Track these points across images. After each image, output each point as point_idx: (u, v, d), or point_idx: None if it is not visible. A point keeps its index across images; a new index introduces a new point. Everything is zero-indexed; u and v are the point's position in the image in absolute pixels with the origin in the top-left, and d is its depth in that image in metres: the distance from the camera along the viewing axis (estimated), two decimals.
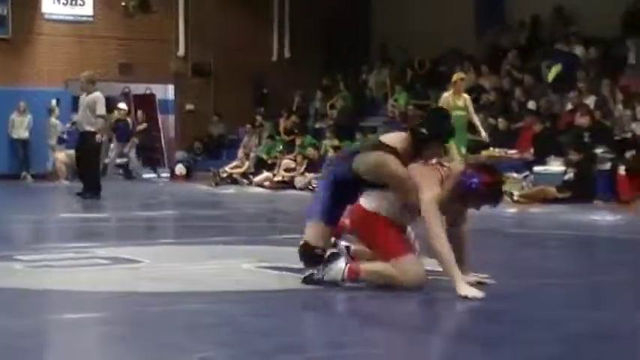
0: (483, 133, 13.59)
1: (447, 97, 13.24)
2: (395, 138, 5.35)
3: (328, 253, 5.27)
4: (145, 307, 4.78)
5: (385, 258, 5.17)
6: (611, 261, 7.53)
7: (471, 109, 13.38)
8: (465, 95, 13.44)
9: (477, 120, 13.51)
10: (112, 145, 20.65)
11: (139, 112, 21.91)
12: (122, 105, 21.02)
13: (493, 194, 5.29)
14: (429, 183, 5.12)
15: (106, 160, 20.07)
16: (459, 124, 13.28)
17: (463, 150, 13.09)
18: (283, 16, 22.56)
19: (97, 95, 13.62)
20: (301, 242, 5.32)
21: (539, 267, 6.60)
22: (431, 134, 5.28)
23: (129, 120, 21.03)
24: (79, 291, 5.31)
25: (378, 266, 5.19)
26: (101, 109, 13.53)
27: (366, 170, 5.23)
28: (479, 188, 5.19)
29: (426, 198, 5.07)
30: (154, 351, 3.77)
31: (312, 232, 5.27)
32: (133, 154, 20.97)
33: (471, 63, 17.85)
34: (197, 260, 6.54)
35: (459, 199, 5.26)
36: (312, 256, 5.21)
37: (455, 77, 13.56)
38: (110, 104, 19.87)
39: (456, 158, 12.40)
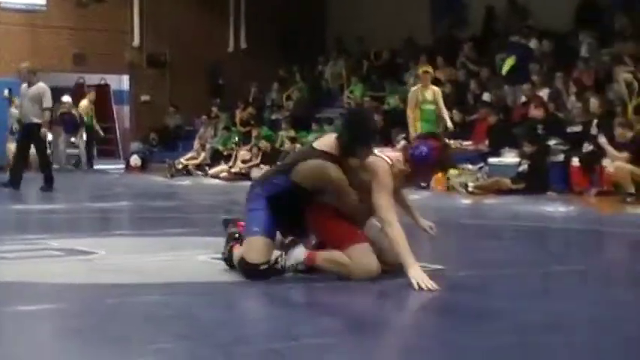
0: (449, 123, 13.39)
1: (415, 92, 13.12)
2: (328, 144, 5.30)
3: (287, 240, 5.30)
4: (100, 298, 4.75)
5: (340, 246, 5.20)
6: (564, 252, 7.63)
7: (441, 102, 13.18)
8: (435, 88, 13.25)
9: (445, 113, 13.32)
10: (62, 137, 20.55)
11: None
12: (66, 98, 20.84)
13: (444, 159, 5.42)
14: (382, 184, 5.16)
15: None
16: (429, 118, 13.05)
17: None
18: (239, 7, 22.47)
19: (43, 87, 13.38)
20: (240, 259, 5.23)
21: (494, 258, 6.66)
22: (354, 140, 5.21)
23: (74, 112, 20.85)
24: (33, 282, 5.26)
25: (334, 254, 5.21)
26: (48, 102, 13.33)
27: (305, 178, 5.20)
28: (430, 155, 5.30)
29: (381, 202, 5.12)
30: (109, 343, 3.75)
31: (253, 247, 5.18)
32: (82, 144, 20.84)
33: (426, 55, 17.93)
34: (153, 252, 6.51)
35: (414, 173, 5.37)
36: (256, 272, 5.15)
37: (419, 70, 13.49)
38: (57, 94, 19.70)
39: None
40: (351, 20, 20.80)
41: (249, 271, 5.16)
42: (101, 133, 22.14)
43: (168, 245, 6.85)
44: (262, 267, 5.15)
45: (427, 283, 4.91)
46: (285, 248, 5.25)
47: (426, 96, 13.01)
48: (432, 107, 13.02)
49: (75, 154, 21.08)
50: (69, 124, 20.63)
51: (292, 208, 5.29)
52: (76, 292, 5.04)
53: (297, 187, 5.23)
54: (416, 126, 12.89)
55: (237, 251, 5.35)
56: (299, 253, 5.23)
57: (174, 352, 3.60)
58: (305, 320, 4.36)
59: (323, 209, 5.26)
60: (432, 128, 12.99)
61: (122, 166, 21.28)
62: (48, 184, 13.36)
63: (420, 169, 5.36)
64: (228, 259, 5.48)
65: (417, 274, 4.95)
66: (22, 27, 20.72)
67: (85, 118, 20.92)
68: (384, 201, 5.14)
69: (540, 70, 15.33)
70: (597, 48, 15.18)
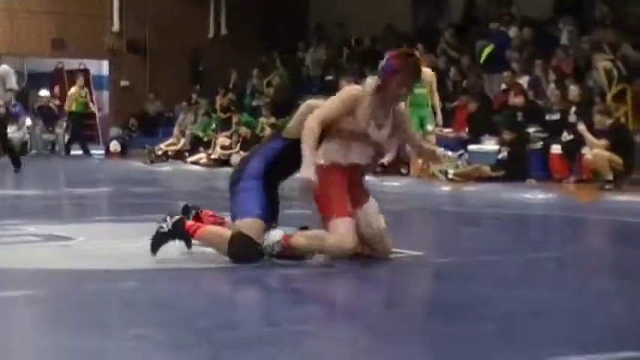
0: (439, 117, 12.95)
1: None
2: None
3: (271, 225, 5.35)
4: (79, 284, 4.73)
5: (324, 212, 5.20)
6: (544, 238, 7.66)
7: (433, 87, 12.67)
8: (428, 71, 12.64)
9: (437, 101, 12.84)
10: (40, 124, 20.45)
11: (56, 89, 21.47)
12: (43, 92, 20.70)
13: (407, 64, 5.37)
14: (333, 98, 5.34)
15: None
16: (418, 102, 12.40)
17: (430, 127, 12.51)
18: None
19: (6, 68, 13.38)
20: (238, 233, 5.18)
21: (473, 245, 6.68)
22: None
23: (52, 105, 20.70)
24: (10, 268, 5.22)
25: (311, 232, 5.26)
26: (12, 83, 13.29)
27: (295, 119, 5.38)
28: (390, 64, 5.35)
29: (318, 110, 5.26)
30: (87, 329, 3.73)
31: (254, 228, 5.17)
32: (60, 132, 20.74)
33: (406, 42, 17.90)
34: (132, 238, 6.47)
35: (383, 90, 5.33)
36: (255, 252, 5.16)
37: None
38: (36, 79, 19.51)
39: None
40: (332, 7, 20.76)
41: (248, 248, 5.13)
42: (95, 111, 21.84)
43: (147, 231, 6.79)
44: (260, 248, 5.16)
45: (305, 188, 5.02)
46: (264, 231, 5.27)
47: None
48: (421, 91, 12.52)
49: (52, 140, 20.98)
50: (47, 116, 20.52)
51: (288, 173, 5.43)
52: (55, 278, 5.01)
53: (291, 146, 5.30)
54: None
55: (222, 229, 5.34)
56: (276, 234, 5.22)
57: (154, 338, 3.58)
58: (286, 306, 4.35)
59: (322, 169, 5.24)
60: (421, 113, 12.55)
61: (102, 151, 21.18)
62: (15, 164, 13.36)
63: (386, 82, 5.34)
64: (167, 234, 5.36)
65: (306, 174, 5.04)
66: (1, 11, 20.55)
67: (74, 105, 20.66)
68: (320, 109, 5.24)
69: (520, 57, 15.37)
70: (577, 36, 15.24)
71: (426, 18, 19.21)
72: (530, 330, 3.80)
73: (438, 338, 3.68)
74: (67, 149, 20.92)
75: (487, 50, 15.79)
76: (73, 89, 20.84)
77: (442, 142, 13.89)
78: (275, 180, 5.44)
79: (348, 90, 5.42)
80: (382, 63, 5.41)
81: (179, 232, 5.32)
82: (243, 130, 17.18)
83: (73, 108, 20.66)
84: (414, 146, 6.03)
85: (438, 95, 12.98)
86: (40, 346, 3.54)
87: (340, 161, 5.30)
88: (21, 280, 4.95)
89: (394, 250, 5.48)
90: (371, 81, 5.46)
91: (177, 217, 5.36)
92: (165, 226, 5.34)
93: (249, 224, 5.19)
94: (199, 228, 5.34)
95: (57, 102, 21.07)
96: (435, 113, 12.92)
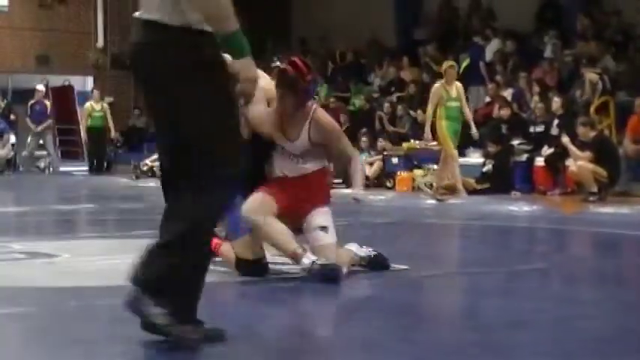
0: (474, 130, 12.53)
1: (438, 88, 12.13)
2: None
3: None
4: (65, 301, 4.72)
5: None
6: (528, 251, 7.69)
7: (463, 99, 12.30)
8: (458, 84, 12.31)
9: (468, 112, 12.47)
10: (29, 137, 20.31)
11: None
12: (40, 86, 20.43)
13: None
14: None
15: (24, 153, 19.94)
16: (454, 115, 12.09)
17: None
18: None
19: None
20: (237, 258, 5.27)
21: (458, 257, 6.71)
22: None
23: (46, 101, 20.46)
24: None
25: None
26: None
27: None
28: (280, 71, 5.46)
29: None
30: (74, 346, 3.72)
31: (243, 246, 5.25)
32: (50, 145, 20.58)
33: (390, 56, 17.99)
34: (117, 254, 6.46)
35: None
36: (258, 269, 5.26)
37: (444, 66, 12.53)
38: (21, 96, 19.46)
39: (451, 151, 11.98)
40: (315, 20, 20.83)
41: (253, 269, 5.28)
42: (111, 127, 20.97)
43: (133, 247, 6.77)
44: (263, 262, 5.31)
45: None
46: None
47: (450, 93, 12.08)
48: (456, 104, 12.14)
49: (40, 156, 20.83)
50: (37, 113, 20.10)
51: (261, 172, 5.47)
52: (40, 295, 5.00)
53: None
54: (440, 125, 12.02)
55: (229, 250, 5.37)
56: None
57: (140, 355, 3.59)
58: (263, 320, 4.35)
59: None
60: (456, 127, 12.19)
61: (86, 168, 21.07)
62: None
63: (288, 95, 5.35)
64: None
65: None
66: None
67: (89, 120, 20.11)
68: None
69: (504, 70, 15.46)
70: (560, 49, 15.35)
71: (409, 31, 19.28)
72: (512, 340, 3.83)
73: (420, 348, 3.69)
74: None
75: (464, 64, 15.87)
76: (87, 104, 20.28)
77: (427, 154, 14.02)
78: (254, 184, 5.46)
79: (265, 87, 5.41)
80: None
81: None
82: None
83: (89, 123, 20.09)
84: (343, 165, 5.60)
85: (468, 107, 12.61)
86: None
87: (278, 174, 5.35)
88: (6, 297, 4.93)
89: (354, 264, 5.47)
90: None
91: None
92: None
93: (243, 243, 5.25)
94: (219, 246, 5.38)
95: None
96: (469, 124, 12.51)
